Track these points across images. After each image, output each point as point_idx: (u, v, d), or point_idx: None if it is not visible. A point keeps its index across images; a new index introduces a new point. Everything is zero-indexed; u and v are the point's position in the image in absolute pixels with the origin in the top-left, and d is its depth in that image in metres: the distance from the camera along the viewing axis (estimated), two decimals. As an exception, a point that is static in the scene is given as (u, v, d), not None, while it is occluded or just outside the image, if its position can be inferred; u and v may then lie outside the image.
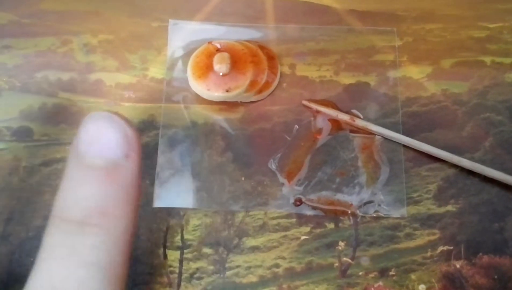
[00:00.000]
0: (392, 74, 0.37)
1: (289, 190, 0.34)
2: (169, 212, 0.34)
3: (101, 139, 0.22)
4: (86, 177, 0.21)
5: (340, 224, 0.34)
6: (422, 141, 0.35)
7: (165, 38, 0.39)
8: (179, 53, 0.38)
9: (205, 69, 0.35)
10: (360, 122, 0.36)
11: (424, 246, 0.34)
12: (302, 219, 0.34)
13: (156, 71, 0.38)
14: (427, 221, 0.34)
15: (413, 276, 0.33)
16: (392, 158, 0.35)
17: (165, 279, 0.32)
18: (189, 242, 0.33)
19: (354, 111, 0.36)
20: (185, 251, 0.33)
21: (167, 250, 0.33)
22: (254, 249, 0.33)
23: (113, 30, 0.39)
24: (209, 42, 0.36)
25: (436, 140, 0.35)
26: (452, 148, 0.35)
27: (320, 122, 0.36)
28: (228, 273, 0.33)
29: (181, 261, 0.33)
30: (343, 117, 0.36)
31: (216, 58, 0.35)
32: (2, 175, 0.34)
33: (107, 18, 0.39)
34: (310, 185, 0.35)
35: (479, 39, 0.39)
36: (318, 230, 0.34)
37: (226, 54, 0.35)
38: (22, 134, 0.35)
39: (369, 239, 0.34)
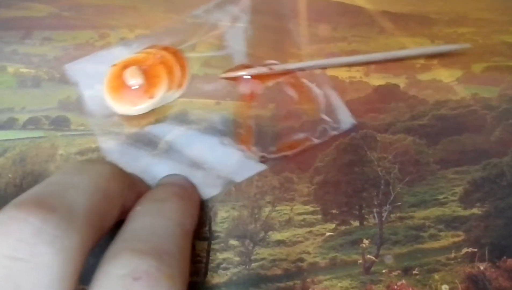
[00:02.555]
0: (422, 76, 0.38)
1: (250, 154, 0.35)
2: (198, 204, 0.35)
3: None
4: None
5: (365, 223, 0.35)
6: (450, 146, 0.35)
7: (200, 34, 0.40)
8: (96, 89, 0.39)
9: (122, 89, 0.36)
10: (278, 67, 0.37)
11: (448, 247, 0.34)
12: (327, 216, 0.35)
13: (190, 66, 0.39)
14: (452, 223, 0.35)
15: (436, 276, 0.33)
16: (419, 160, 0.36)
17: (192, 268, 0.33)
18: (216, 234, 0.34)
19: (268, 61, 0.37)
20: (212, 242, 0.34)
21: (195, 240, 0.34)
22: (280, 243, 0.34)
23: (149, 25, 0.40)
24: (112, 65, 0.37)
25: (464, 144, 0.36)
26: (480, 152, 0.35)
27: (247, 86, 0.37)
28: (253, 265, 0.34)
29: (208, 252, 0.34)
30: (262, 70, 0.37)
31: (126, 74, 0.35)
32: (39, 162, 0.36)
33: (144, 13, 0.40)
34: (266, 142, 0.35)
35: (511, 44, 0.39)
36: (343, 227, 0.35)
37: (133, 68, 0.35)
38: (60, 123, 0.37)
39: (393, 238, 0.34)
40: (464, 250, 0.34)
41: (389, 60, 0.37)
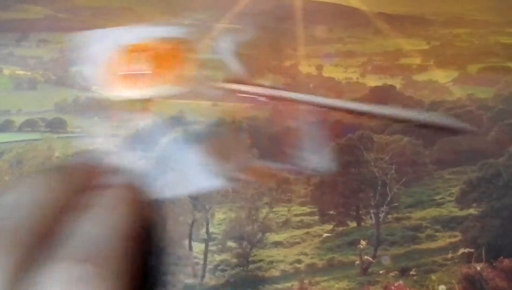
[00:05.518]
0: (418, 77, 0.38)
1: (221, 168, 0.36)
2: (195, 205, 0.35)
3: None
4: None
5: (362, 223, 0.35)
6: (446, 146, 0.35)
7: (196, 35, 0.40)
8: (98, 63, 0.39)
9: (125, 70, 0.36)
10: (277, 93, 0.37)
11: (445, 247, 0.34)
12: (325, 217, 0.35)
13: (188, 68, 0.39)
14: (448, 223, 0.35)
15: (433, 277, 0.33)
16: (416, 160, 0.36)
17: (189, 270, 0.33)
18: (214, 235, 0.34)
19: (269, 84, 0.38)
20: (210, 243, 0.34)
21: (192, 242, 0.34)
22: (277, 244, 0.34)
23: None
24: (121, 45, 0.37)
25: (460, 144, 0.36)
26: (476, 153, 0.35)
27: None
28: (251, 266, 0.34)
29: (205, 253, 0.34)
30: (258, 90, 0.37)
31: (133, 58, 0.36)
32: (36, 164, 0.36)
33: (140, 15, 0.40)
34: (242, 161, 0.36)
35: (506, 45, 0.39)
36: (340, 228, 0.35)
37: (143, 53, 0.36)
38: (56, 126, 0.37)
39: (390, 239, 0.34)
40: (461, 250, 0.34)
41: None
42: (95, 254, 0.23)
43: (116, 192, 0.28)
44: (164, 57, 0.35)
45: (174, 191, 0.32)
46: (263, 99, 0.36)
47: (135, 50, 0.34)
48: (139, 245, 0.25)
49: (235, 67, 0.38)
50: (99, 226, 0.24)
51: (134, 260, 0.23)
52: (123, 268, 0.23)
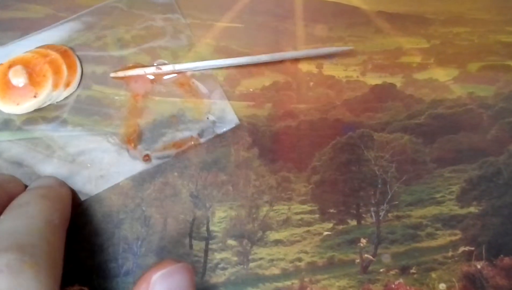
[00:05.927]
0: (419, 76, 0.38)
1: (134, 153, 0.35)
2: (196, 204, 0.35)
3: None
4: None
5: (363, 222, 0.35)
6: (446, 144, 0.35)
7: (196, 34, 0.40)
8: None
9: (7, 88, 0.37)
10: (167, 68, 0.38)
11: (446, 246, 0.34)
12: (325, 215, 0.35)
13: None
14: (449, 221, 0.35)
15: (433, 275, 0.33)
16: (416, 158, 0.36)
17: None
18: (214, 234, 0.34)
19: (159, 60, 0.39)
20: (210, 242, 0.34)
21: (193, 240, 0.34)
22: (278, 242, 0.34)
23: (146, 25, 0.40)
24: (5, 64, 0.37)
25: (461, 143, 0.36)
26: (476, 151, 0.36)
27: (139, 86, 0.37)
28: (251, 264, 0.34)
29: (206, 252, 0.34)
30: (150, 70, 0.39)
31: (11, 74, 0.36)
32: (36, 164, 0.36)
33: (141, 14, 0.40)
34: (152, 141, 0.36)
35: (506, 43, 0.39)
36: (340, 227, 0.35)
37: (18, 67, 0.36)
38: (56, 124, 0.37)
39: (390, 237, 0.34)
40: (461, 248, 0.34)
41: (276, 62, 0.38)
42: (20, 243, 0.23)
43: (36, 191, 0.29)
44: (46, 64, 0.35)
45: (97, 186, 0.32)
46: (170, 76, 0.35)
47: (12, 65, 0.35)
48: (63, 236, 0.25)
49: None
50: (21, 220, 0.25)
51: (59, 250, 0.24)
52: (55, 256, 0.23)
